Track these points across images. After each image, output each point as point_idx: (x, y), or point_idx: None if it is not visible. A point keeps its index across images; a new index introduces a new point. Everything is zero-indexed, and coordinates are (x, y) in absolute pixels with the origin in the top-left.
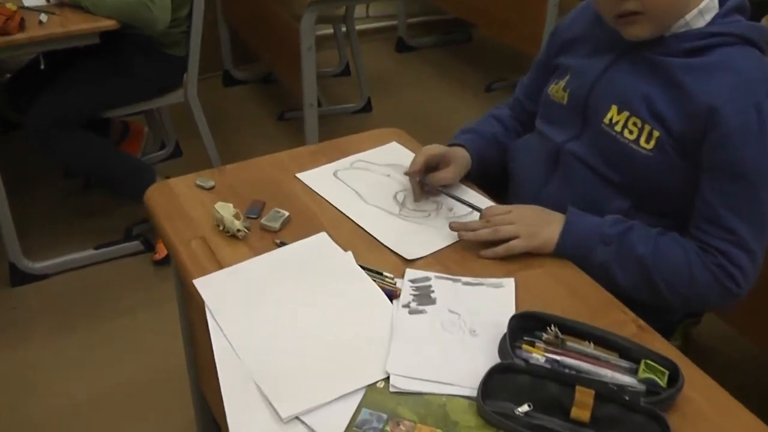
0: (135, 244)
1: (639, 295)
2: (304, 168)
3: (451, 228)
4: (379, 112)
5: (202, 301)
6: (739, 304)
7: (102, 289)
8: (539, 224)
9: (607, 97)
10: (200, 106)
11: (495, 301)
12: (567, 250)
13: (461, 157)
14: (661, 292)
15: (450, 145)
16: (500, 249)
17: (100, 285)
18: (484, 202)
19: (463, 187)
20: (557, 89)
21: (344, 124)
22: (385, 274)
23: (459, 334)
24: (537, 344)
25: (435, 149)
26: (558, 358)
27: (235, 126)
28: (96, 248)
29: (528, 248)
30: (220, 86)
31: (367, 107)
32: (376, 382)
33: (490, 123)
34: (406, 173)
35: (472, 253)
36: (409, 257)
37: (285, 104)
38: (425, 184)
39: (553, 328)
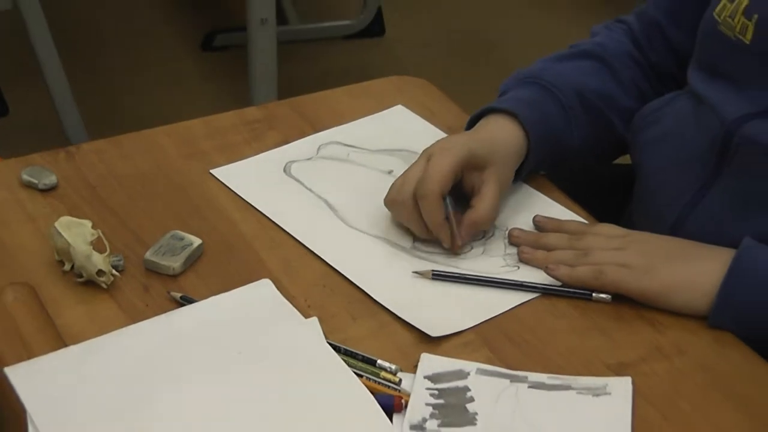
0: None
1: None
2: (232, 154)
3: (511, 240)
4: (396, 35)
5: (22, 409)
6: None
7: None
8: (672, 257)
9: None
10: (44, 19)
11: (592, 423)
12: (739, 314)
13: (506, 155)
14: None
15: (481, 114)
16: (583, 268)
17: None
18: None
19: (532, 191)
20: (730, 11)
21: (330, 60)
22: (380, 363)
23: None
24: None
25: (455, 156)
26: None
27: (117, 62)
28: None
29: (638, 290)
30: None
31: (374, 27)
32: None
33: (583, 65)
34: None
35: (551, 323)
36: (434, 332)
37: (215, 20)
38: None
39: None
